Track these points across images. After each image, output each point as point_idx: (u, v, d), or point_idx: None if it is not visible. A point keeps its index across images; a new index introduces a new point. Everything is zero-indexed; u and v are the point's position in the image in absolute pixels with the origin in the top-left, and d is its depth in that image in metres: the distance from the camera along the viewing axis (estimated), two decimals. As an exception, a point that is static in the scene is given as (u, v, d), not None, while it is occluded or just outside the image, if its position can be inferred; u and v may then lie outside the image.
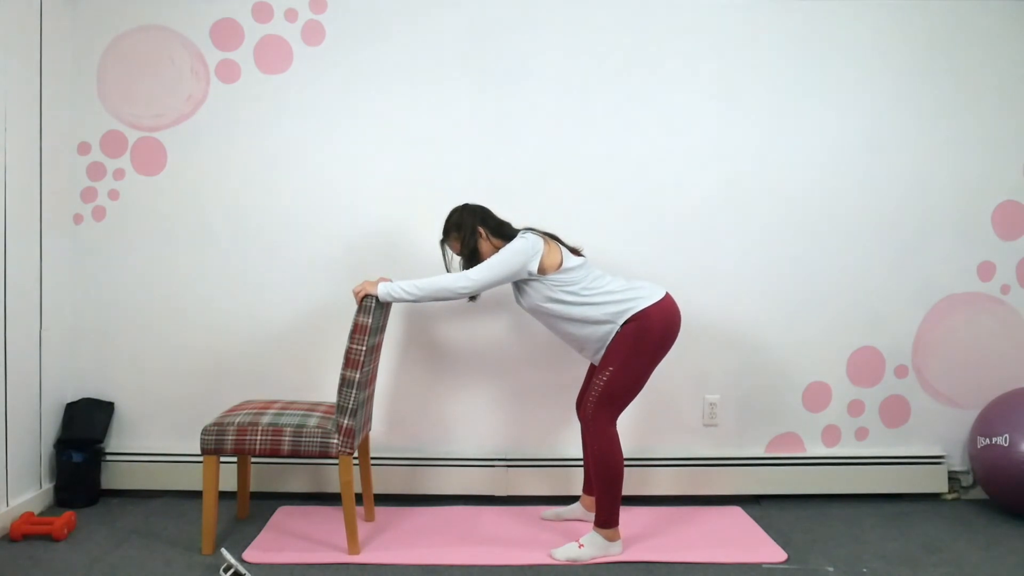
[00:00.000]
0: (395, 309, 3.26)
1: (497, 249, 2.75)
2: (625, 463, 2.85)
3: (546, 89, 3.29)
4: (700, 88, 3.31)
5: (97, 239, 3.28)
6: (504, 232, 2.81)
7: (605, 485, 2.68)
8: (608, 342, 2.69)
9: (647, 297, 2.68)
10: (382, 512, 3.11)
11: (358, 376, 2.68)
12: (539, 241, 2.71)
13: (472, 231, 2.79)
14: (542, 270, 2.70)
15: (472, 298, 2.90)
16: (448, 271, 2.91)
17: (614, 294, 2.69)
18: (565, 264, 2.71)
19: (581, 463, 3.25)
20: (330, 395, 3.21)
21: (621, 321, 2.65)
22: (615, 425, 2.70)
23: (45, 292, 3.11)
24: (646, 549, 2.77)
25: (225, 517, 3.04)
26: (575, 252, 2.82)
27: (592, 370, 2.97)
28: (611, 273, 2.83)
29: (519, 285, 2.78)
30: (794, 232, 3.34)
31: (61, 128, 3.20)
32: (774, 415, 3.38)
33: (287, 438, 2.68)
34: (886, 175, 3.35)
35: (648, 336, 2.65)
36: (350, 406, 2.69)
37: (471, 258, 2.79)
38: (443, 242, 2.89)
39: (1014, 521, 3.13)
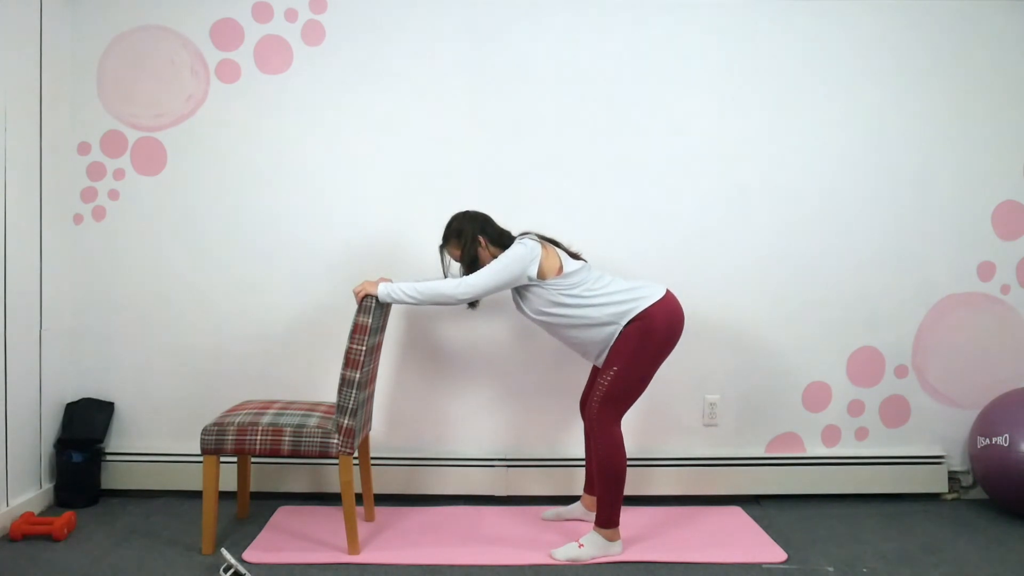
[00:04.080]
0: (395, 309, 3.26)
1: (495, 258, 2.73)
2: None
3: (546, 89, 3.29)
4: (700, 87, 3.31)
5: (97, 239, 3.28)
6: (503, 241, 2.81)
7: (608, 485, 2.68)
8: (611, 343, 2.69)
9: (649, 296, 2.68)
10: (382, 512, 3.11)
11: (358, 376, 2.68)
12: (537, 246, 2.72)
13: (472, 239, 2.79)
14: (542, 275, 2.69)
15: (472, 305, 2.90)
16: (445, 276, 2.91)
17: (616, 295, 2.68)
18: (565, 269, 2.71)
19: (582, 463, 3.26)
20: (330, 395, 3.21)
21: (624, 322, 2.65)
22: (619, 425, 2.70)
23: (45, 292, 3.11)
24: (646, 549, 2.78)
25: (225, 517, 3.04)
26: (575, 257, 2.82)
27: (596, 370, 2.97)
28: (611, 274, 2.83)
29: (520, 292, 2.78)
30: (794, 232, 3.34)
31: (61, 128, 3.20)
32: (774, 415, 3.38)
33: (287, 438, 2.68)
34: (886, 175, 3.35)
35: (652, 335, 2.65)
36: (350, 406, 2.69)
37: (470, 266, 2.79)
38: (443, 248, 2.88)
39: (1014, 521, 3.13)
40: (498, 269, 2.68)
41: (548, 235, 2.89)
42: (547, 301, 2.72)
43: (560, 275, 2.70)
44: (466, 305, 2.91)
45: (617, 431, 2.69)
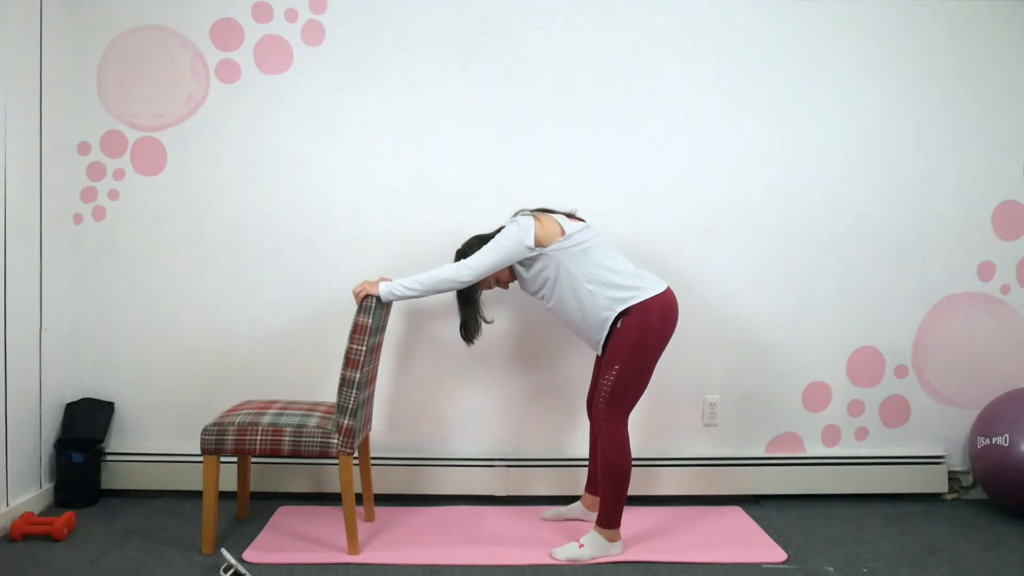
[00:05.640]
0: (396, 308, 3.26)
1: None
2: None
3: (547, 88, 3.29)
4: (700, 87, 3.31)
5: (97, 239, 3.28)
6: None
7: (612, 485, 2.69)
8: (606, 332, 2.69)
9: (649, 288, 2.68)
10: (382, 512, 3.11)
11: (358, 376, 2.68)
12: (527, 219, 2.71)
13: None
14: (542, 242, 2.68)
15: (469, 341, 2.94)
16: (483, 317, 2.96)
17: (619, 276, 2.68)
18: (568, 230, 2.71)
19: (582, 462, 3.26)
20: (330, 395, 3.21)
21: (619, 309, 2.65)
22: (626, 424, 2.70)
23: (45, 292, 3.11)
24: (646, 549, 2.78)
25: (225, 517, 3.04)
26: (572, 216, 2.83)
27: (598, 369, 2.97)
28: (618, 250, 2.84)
29: (527, 266, 2.76)
30: (794, 232, 3.34)
31: (61, 128, 3.20)
32: (774, 415, 3.38)
33: (287, 438, 2.68)
34: (886, 175, 3.35)
35: (647, 330, 2.65)
36: (350, 406, 2.69)
37: (497, 282, 2.90)
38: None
39: (1014, 521, 3.13)
40: (495, 247, 2.69)
41: (540, 206, 2.91)
42: (555, 270, 2.70)
43: (564, 237, 2.70)
44: (465, 341, 2.94)
45: (624, 431, 2.69)
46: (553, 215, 2.78)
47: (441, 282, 2.69)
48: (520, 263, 2.76)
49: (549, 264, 2.71)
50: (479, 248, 2.76)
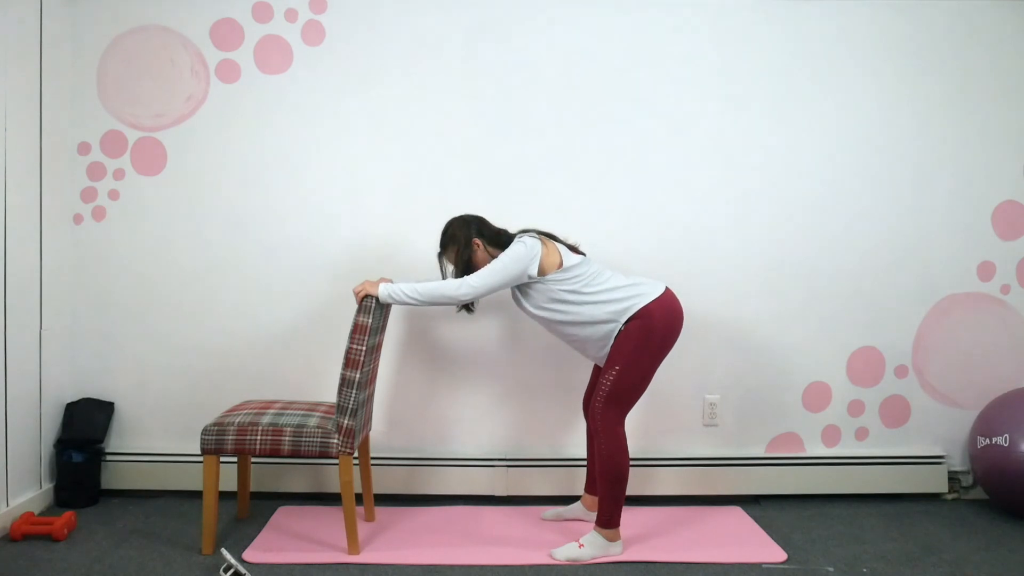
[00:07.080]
0: (395, 309, 3.26)
1: (494, 258, 2.73)
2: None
3: (546, 89, 3.29)
4: (700, 87, 3.31)
5: (97, 239, 3.28)
6: (501, 241, 2.81)
7: (609, 485, 2.68)
8: (611, 341, 2.69)
9: (648, 294, 2.68)
10: (382, 512, 3.11)
11: (358, 376, 2.68)
12: (537, 244, 2.72)
13: (467, 243, 2.80)
14: (542, 271, 2.70)
15: (468, 309, 2.92)
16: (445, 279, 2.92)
17: (615, 291, 2.69)
18: (565, 263, 2.72)
19: (582, 463, 3.26)
20: (330, 395, 3.21)
21: (623, 319, 2.66)
22: (623, 425, 2.70)
23: (45, 292, 3.11)
24: (646, 549, 2.78)
25: (225, 517, 3.04)
26: (574, 249, 2.82)
27: (597, 369, 2.97)
28: (611, 269, 2.84)
29: (521, 288, 2.78)
30: (794, 231, 3.34)
31: (61, 128, 3.20)
32: (774, 415, 3.38)
33: (287, 438, 2.68)
34: (886, 175, 3.35)
35: (651, 333, 2.65)
36: (350, 406, 2.69)
37: (466, 270, 2.79)
38: (441, 255, 2.89)
39: (1014, 521, 3.13)
40: (498, 268, 2.68)
41: (546, 230, 2.90)
42: (547, 297, 2.72)
43: (560, 269, 2.70)
44: (463, 310, 2.92)
45: (621, 431, 2.69)
46: (557, 244, 2.79)
47: (439, 297, 2.69)
48: (516, 286, 2.77)
49: (545, 292, 2.71)
50: (462, 235, 2.79)
